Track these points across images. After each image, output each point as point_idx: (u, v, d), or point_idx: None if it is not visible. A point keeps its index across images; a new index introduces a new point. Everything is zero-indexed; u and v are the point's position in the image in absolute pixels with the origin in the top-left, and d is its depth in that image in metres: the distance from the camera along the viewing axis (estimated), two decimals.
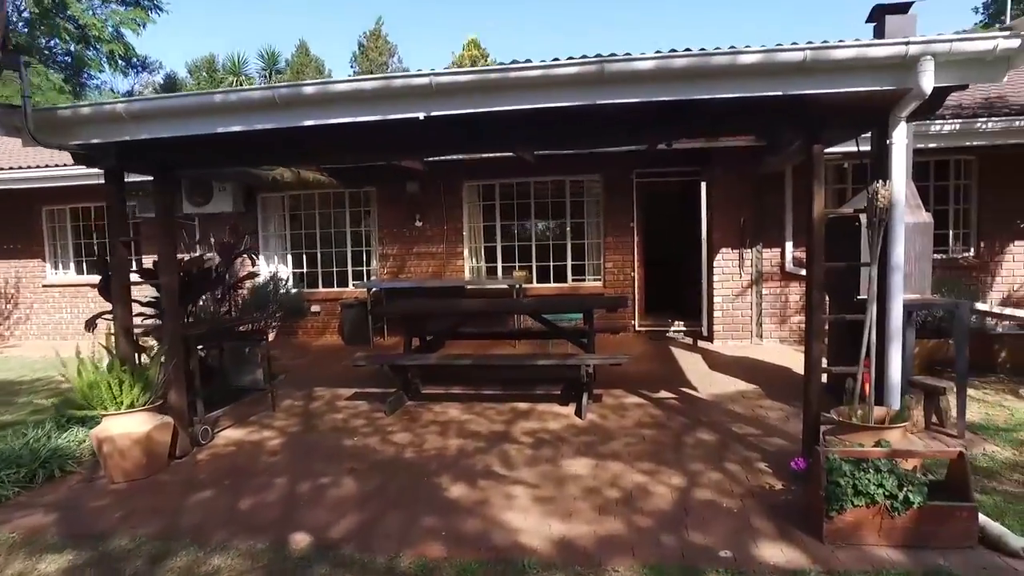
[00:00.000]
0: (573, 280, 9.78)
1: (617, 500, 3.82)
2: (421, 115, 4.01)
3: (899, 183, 3.74)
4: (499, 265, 10.02)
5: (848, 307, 5.00)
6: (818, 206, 3.85)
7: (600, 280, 9.65)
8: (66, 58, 22.51)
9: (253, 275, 7.62)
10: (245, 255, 7.16)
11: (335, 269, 10.66)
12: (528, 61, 3.84)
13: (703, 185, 8.53)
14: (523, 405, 5.99)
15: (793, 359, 7.52)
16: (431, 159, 8.99)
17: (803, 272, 8.26)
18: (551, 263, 9.83)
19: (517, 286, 9.15)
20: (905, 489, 2.95)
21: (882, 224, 3.62)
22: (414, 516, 3.71)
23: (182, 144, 4.54)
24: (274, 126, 4.15)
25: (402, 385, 6.27)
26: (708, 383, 6.53)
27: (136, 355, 4.98)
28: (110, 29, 20.74)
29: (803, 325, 8.73)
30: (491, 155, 8.29)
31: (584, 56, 3.79)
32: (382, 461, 4.72)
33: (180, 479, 4.48)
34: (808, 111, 3.83)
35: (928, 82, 3.37)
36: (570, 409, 5.77)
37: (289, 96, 4.01)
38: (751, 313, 8.53)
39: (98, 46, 21.05)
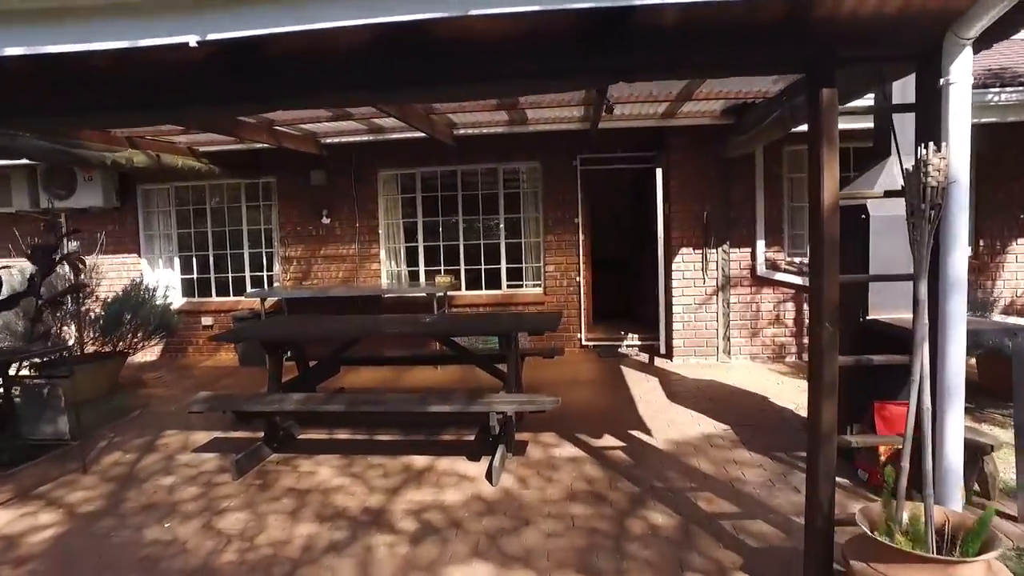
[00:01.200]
0: (509, 286, 8.28)
1: None
2: (193, 40, 2.44)
3: (960, 149, 2.34)
4: (421, 269, 8.44)
5: (850, 332, 3.61)
6: (830, 186, 2.43)
7: (540, 286, 8.17)
8: None
9: (77, 287, 5.86)
10: (68, 261, 5.43)
11: (231, 275, 8.94)
12: None
13: (658, 173, 7.12)
14: (421, 460, 4.46)
15: (769, 383, 6.16)
16: (330, 140, 7.37)
17: (777, 276, 7.03)
18: (482, 266, 8.30)
19: (439, 295, 7.60)
20: None
21: (936, 214, 2.20)
22: None
23: None
24: None
25: (268, 431, 4.68)
26: (666, 422, 5.10)
27: None
28: None
29: (777, 339, 7.80)
30: (407, 135, 6.77)
31: None
32: (181, 573, 3.13)
33: None
34: (815, 33, 2.39)
35: None
36: (482, 467, 4.26)
37: None
38: (717, 325, 7.16)
39: None
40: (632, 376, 6.67)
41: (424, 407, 3.98)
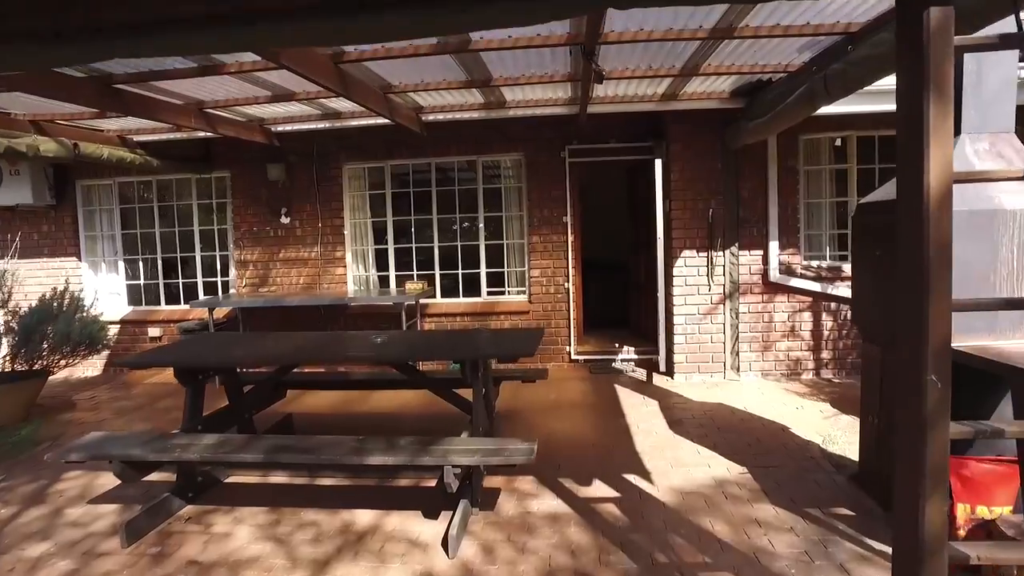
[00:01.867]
0: (489, 293, 7.38)
1: None
2: None
3: None
4: (392, 274, 7.54)
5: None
6: (938, 160, 1.55)
7: (524, 293, 7.28)
8: None
9: None
10: None
11: (181, 281, 8.02)
12: None
13: (657, 164, 6.24)
14: (366, 516, 3.57)
15: (786, 408, 5.29)
16: (282, 127, 6.47)
17: (793, 283, 6.10)
18: (460, 271, 7.40)
19: (409, 303, 6.70)
20: None
21: None
22: None
23: None
24: None
25: (180, 479, 3.78)
26: (668, 461, 4.22)
27: None
28: None
29: (792, 353, 6.50)
30: (371, 122, 5.90)
31: None
32: None
33: None
34: None
35: None
36: (440, 527, 3.37)
37: None
38: (723, 338, 6.29)
39: None
40: (628, 398, 5.78)
41: (361, 459, 3.08)
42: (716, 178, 6.17)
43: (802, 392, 5.78)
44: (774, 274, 6.12)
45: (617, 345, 7.29)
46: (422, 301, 7.20)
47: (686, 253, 6.26)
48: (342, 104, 5.39)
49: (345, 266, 7.49)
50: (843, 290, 5.43)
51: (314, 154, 7.31)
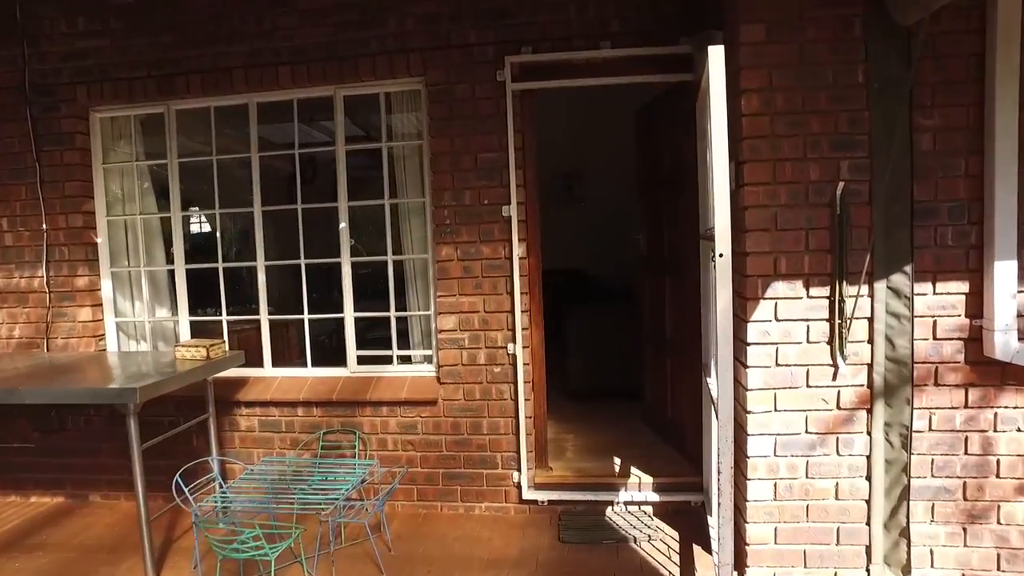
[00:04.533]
0: (363, 361, 3.74)
1: None
2: None
3: None
4: (184, 319, 3.92)
5: None
6: None
7: (431, 359, 3.66)
8: None
9: None
10: None
11: None
12: None
13: (712, 83, 2.50)
14: None
15: None
16: None
17: None
18: (306, 316, 3.77)
19: (194, 378, 3.07)
20: None
21: None
22: None
23: None
24: None
25: None
26: None
27: None
28: None
29: None
30: None
31: None
32: None
33: None
34: None
35: None
36: None
37: None
38: (868, 491, 2.61)
39: None
40: None
41: None
42: (851, 109, 2.52)
43: None
44: (1003, 340, 2.44)
45: (617, 467, 3.64)
46: (237, 373, 3.62)
47: (778, 287, 2.60)
48: None
49: (101, 303, 3.90)
50: None
51: (26, 87, 3.74)
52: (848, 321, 2.56)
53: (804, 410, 2.63)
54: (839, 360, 2.59)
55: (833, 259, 2.57)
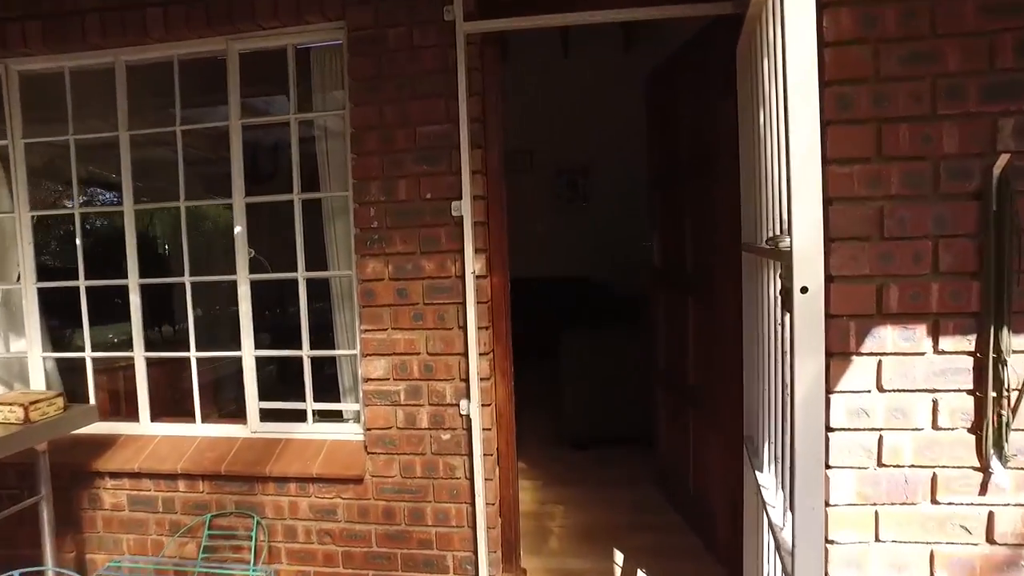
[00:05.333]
0: (267, 416, 2.71)
1: None
2: None
3: None
4: (36, 355, 2.91)
5: None
6: None
7: (357, 418, 2.62)
8: None
9: None
10: None
11: None
12: None
13: (768, 20, 1.41)
14: None
15: None
16: None
17: None
18: (192, 353, 2.75)
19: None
20: None
21: None
22: None
23: None
24: None
25: None
26: None
27: None
28: None
29: None
30: None
31: None
32: None
33: None
34: None
35: None
36: None
37: None
38: None
39: None
40: None
41: None
42: (1018, 26, 1.44)
43: None
44: None
45: (620, 567, 2.59)
46: (104, 430, 2.63)
47: (884, 336, 1.53)
48: None
49: None
50: None
51: None
52: (1010, 394, 1.49)
53: (927, 542, 1.56)
54: (992, 460, 1.52)
55: (983, 289, 1.50)
